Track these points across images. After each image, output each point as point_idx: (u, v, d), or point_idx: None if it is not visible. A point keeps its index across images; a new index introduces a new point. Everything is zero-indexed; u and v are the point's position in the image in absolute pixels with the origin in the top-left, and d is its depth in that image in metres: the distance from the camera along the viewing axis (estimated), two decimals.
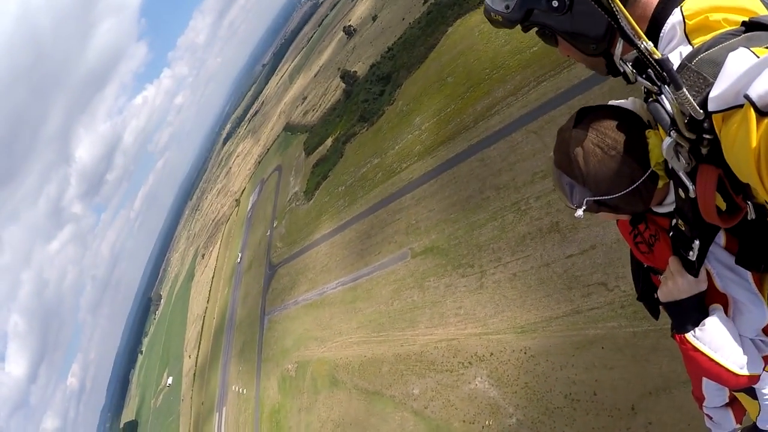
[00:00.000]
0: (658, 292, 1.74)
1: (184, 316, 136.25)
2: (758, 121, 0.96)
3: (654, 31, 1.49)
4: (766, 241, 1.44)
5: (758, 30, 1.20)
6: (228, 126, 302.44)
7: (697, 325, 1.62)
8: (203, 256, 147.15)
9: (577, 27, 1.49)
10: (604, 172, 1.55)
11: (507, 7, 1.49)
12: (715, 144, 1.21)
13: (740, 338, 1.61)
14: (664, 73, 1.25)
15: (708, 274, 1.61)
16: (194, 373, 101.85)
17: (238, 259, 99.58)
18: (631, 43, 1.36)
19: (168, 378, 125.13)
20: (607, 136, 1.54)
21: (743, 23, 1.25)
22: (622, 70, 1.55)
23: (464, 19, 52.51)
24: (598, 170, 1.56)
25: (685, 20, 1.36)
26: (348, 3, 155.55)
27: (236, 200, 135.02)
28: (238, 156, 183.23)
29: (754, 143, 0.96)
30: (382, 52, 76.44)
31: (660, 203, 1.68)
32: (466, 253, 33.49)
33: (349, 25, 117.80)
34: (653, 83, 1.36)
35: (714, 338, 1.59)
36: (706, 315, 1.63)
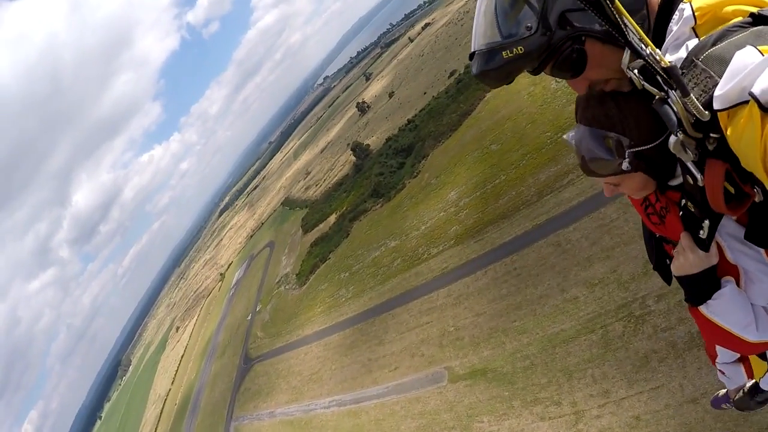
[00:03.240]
0: (672, 266, 1.76)
1: (146, 391, 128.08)
2: (763, 118, 1.01)
3: (662, 24, 1.48)
4: None
5: (766, 24, 1.22)
6: (227, 198, 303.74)
7: (710, 297, 1.67)
8: (178, 329, 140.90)
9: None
10: (644, 118, 1.56)
11: (529, 27, 1.40)
12: (722, 141, 1.24)
13: (752, 307, 1.65)
14: (671, 80, 1.28)
15: (719, 247, 1.64)
16: None
17: (211, 343, 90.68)
18: (638, 54, 1.36)
19: None
20: (633, 90, 1.55)
21: (751, 14, 1.25)
22: (628, 77, 1.48)
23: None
24: (638, 116, 1.57)
25: (696, 16, 1.35)
26: (361, 84, 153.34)
27: (221, 274, 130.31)
28: (231, 228, 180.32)
29: (759, 139, 1.00)
30: (400, 125, 70.39)
31: (672, 177, 1.70)
32: (546, 381, 21.26)
33: (363, 101, 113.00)
34: (660, 89, 1.36)
35: (726, 309, 1.64)
36: (718, 287, 1.67)
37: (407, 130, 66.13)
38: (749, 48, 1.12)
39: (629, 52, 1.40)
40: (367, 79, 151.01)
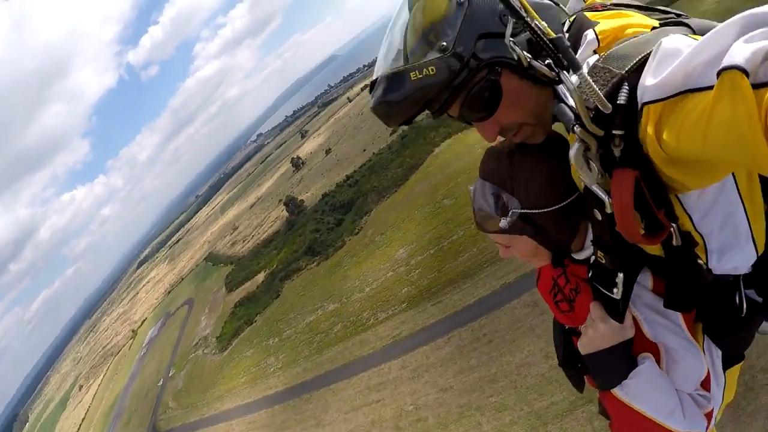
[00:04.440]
0: (578, 343, 1.54)
1: None
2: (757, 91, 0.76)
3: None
4: (694, 278, 1.34)
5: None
6: (148, 249, 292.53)
7: (625, 378, 1.44)
8: (81, 387, 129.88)
9: None
10: (537, 180, 1.45)
11: (443, 48, 1.20)
12: (630, 142, 1.08)
13: (677, 393, 1.45)
14: (560, 55, 1.14)
15: (635, 320, 1.46)
16: None
17: (116, 409, 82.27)
18: (518, 16, 1.17)
19: None
20: (542, 145, 1.45)
21: (652, 28, 1.21)
22: (515, 56, 1.23)
23: (456, 138, 45.18)
24: (531, 178, 1.45)
25: (599, 39, 1.27)
26: (296, 141, 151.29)
27: (133, 331, 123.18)
28: (148, 281, 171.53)
29: (748, 116, 0.74)
30: (338, 181, 67.84)
31: (581, 248, 1.55)
32: None
33: (298, 157, 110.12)
34: (551, 69, 1.21)
35: (647, 390, 1.42)
36: (634, 366, 1.44)
37: (346, 185, 63.41)
38: (677, 35, 1.03)
39: (512, 22, 1.20)
40: (303, 136, 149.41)
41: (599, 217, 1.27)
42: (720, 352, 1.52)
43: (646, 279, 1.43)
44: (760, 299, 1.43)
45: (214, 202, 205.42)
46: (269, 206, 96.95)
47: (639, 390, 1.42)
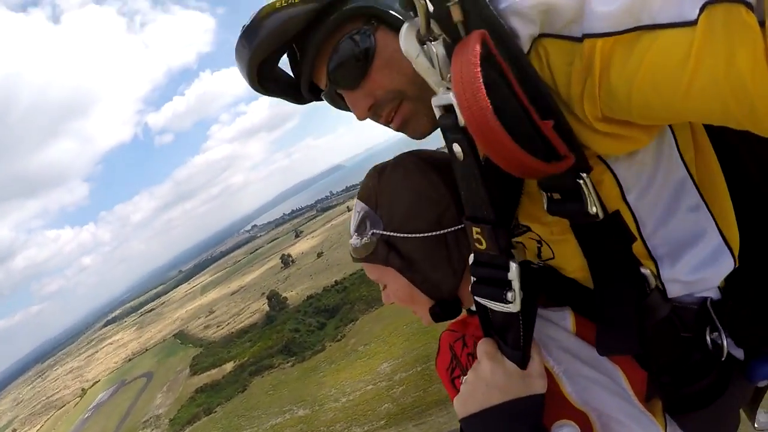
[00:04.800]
0: (455, 400, 1.00)
1: None
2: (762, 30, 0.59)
3: None
4: (637, 303, 0.94)
5: None
6: (118, 311, 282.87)
7: None
8: (14, 431, 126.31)
9: None
10: (406, 198, 1.11)
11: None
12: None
13: None
14: None
15: (549, 374, 0.99)
16: None
17: None
18: None
19: None
20: (427, 159, 1.15)
21: None
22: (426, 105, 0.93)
23: None
24: (399, 194, 1.14)
25: None
26: (290, 239, 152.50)
27: (83, 389, 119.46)
28: (111, 343, 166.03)
29: (762, 61, 0.57)
30: (326, 285, 67.97)
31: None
32: None
33: (288, 255, 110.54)
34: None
35: None
36: None
37: (334, 290, 63.51)
38: None
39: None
40: (297, 236, 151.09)
41: (459, 155, 0.84)
42: None
43: (564, 318, 1.06)
44: (740, 354, 1.05)
45: (196, 281, 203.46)
46: (251, 297, 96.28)
47: None
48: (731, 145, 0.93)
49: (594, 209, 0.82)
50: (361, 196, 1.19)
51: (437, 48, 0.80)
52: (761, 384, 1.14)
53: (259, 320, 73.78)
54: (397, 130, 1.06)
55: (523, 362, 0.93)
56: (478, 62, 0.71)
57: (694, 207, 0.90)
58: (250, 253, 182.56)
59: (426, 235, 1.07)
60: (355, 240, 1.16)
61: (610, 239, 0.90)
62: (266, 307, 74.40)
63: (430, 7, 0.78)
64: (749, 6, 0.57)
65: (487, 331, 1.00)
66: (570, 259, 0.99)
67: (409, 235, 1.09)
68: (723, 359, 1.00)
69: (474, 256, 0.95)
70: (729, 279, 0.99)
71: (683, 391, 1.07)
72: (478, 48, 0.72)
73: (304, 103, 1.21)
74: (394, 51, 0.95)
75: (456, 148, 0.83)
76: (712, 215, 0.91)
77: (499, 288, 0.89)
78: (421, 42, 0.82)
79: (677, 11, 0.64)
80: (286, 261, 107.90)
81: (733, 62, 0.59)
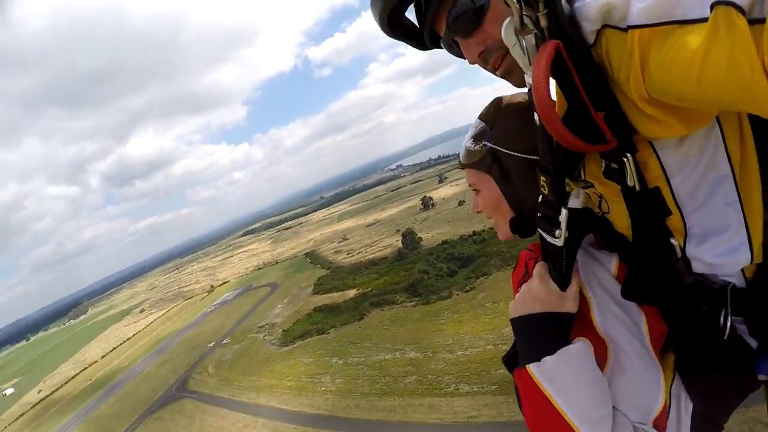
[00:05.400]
0: (510, 306, 1.26)
1: (78, 347, 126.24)
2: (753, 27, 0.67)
3: None
4: (664, 263, 1.13)
5: None
6: (258, 224, 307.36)
7: (548, 353, 1.12)
8: (143, 311, 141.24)
9: None
10: (516, 123, 1.36)
11: None
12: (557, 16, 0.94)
13: (614, 411, 1.10)
14: None
15: (585, 299, 1.20)
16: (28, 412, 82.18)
17: (163, 344, 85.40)
18: None
19: (8, 389, 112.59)
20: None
21: None
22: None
23: None
24: (511, 119, 1.37)
25: None
26: (433, 183, 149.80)
27: (212, 286, 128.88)
28: (246, 251, 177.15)
29: (755, 56, 0.65)
30: (463, 234, 64.00)
31: None
32: None
33: (429, 198, 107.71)
34: None
35: (567, 378, 1.09)
36: (564, 345, 1.13)
37: (471, 240, 59.72)
38: None
39: None
40: (440, 181, 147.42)
41: (537, 120, 1.09)
42: (691, 407, 1.26)
43: (610, 262, 1.23)
44: (753, 342, 1.18)
45: (335, 208, 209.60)
46: (385, 232, 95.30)
47: (560, 374, 1.09)
48: None
49: (632, 182, 1.02)
50: (481, 115, 1.44)
51: (528, 40, 1.01)
52: (761, 378, 1.21)
53: (390, 255, 72.53)
54: (502, 77, 1.25)
55: (563, 285, 1.15)
56: (549, 65, 0.92)
57: (730, 202, 1.01)
58: (392, 191, 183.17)
59: (526, 156, 1.30)
60: (469, 144, 1.41)
61: (649, 209, 1.06)
62: (399, 244, 72.75)
63: (525, 11, 0.97)
64: (739, 8, 0.66)
65: (544, 256, 1.23)
66: (620, 217, 1.15)
67: (513, 153, 1.33)
68: (725, 338, 1.13)
69: (541, 197, 1.20)
70: (757, 274, 1.11)
71: (691, 354, 1.21)
72: (551, 53, 0.92)
73: (425, 50, 1.39)
74: (503, 8, 1.09)
75: (535, 116, 1.08)
76: (743, 213, 1.01)
77: (552, 225, 1.14)
78: (517, 35, 1.02)
79: (696, 10, 0.75)
80: (427, 203, 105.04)
81: (734, 58, 0.67)
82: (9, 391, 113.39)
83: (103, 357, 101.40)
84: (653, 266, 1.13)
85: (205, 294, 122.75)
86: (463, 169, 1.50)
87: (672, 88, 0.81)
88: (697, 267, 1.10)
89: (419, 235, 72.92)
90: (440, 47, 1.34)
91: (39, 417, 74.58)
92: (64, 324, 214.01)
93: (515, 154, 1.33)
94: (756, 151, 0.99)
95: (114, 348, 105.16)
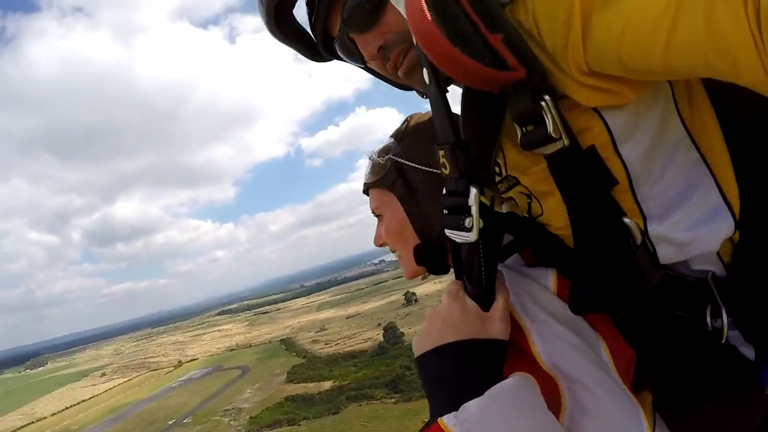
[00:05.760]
0: (413, 340, 0.94)
1: (27, 399, 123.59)
2: None
3: None
4: (621, 259, 0.85)
5: None
6: (235, 305, 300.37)
7: (472, 398, 0.78)
8: (103, 374, 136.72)
9: None
10: (428, 133, 1.13)
11: None
12: None
13: None
14: None
15: (521, 328, 0.90)
16: None
17: (119, 414, 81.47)
18: None
19: None
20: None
21: None
22: None
23: None
24: (423, 129, 1.22)
25: None
26: (416, 280, 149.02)
27: (179, 362, 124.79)
28: (219, 331, 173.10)
29: (740, 11, 0.53)
30: None
31: None
32: None
33: (412, 293, 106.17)
34: None
35: (501, 429, 0.75)
36: (496, 379, 0.81)
37: None
38: None
39: None
40: (423, 278, 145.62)
41: (427, 80, 0.89)
42: None
43: (547, 278, 0.97)
44: (750, 354, 0.93)
45: (315, 297, 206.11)
46: (366, 324, 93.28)
47: (490, 426, 0.75)
48: (730, 105, 0.83)
49: (557, 133, 0.77)
50: (392, 133, 1.28)
51: None
52: None
53: (369, 348, 70.07)
54: (404, 78, 1.03)
55: (484, 301, 0.87)
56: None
57: (692, 163, 0.82)
58: (374, 285, 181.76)
59: (433, 170, 1.11)
60: (373, 158, 1.24)
61: (587, 178, 0.82)
62: (380, 337, 70.42)
63: None
64: None
65: (457, 274, 0.98)
66: (556, 213, 0.92)
67: (420, 167, 1.15)
68: (723, 342, 0.89)
69: (444, 186, 0.94)
70: (736, 255, 0.88)
71: (676, 382, 0.96)
72: None
73: (317, 60, 1.21)
74: None
75: (425, 75, 0.88)
76: (710, 171, 0.83)
77: (460, 215, 0.87)
78: None
79: None
80: (410, 298, 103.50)
81: (712, 14, 0.56)
82: None
83: (53, 414, 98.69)
84: (605, 262, 0.85)
85: (171, 368, 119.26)
86: (367, 193, 1.31)
87: (626, 59, 0.67)
88: (667, 253, 0.85)
89: (401, 329, 70.77)
90: (332, 55, 1.15)
91: None
92: (19, 372, 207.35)
93: (422, 167, 1.14)
94: (711, 103, 0.83)
95: (67, 407, 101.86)
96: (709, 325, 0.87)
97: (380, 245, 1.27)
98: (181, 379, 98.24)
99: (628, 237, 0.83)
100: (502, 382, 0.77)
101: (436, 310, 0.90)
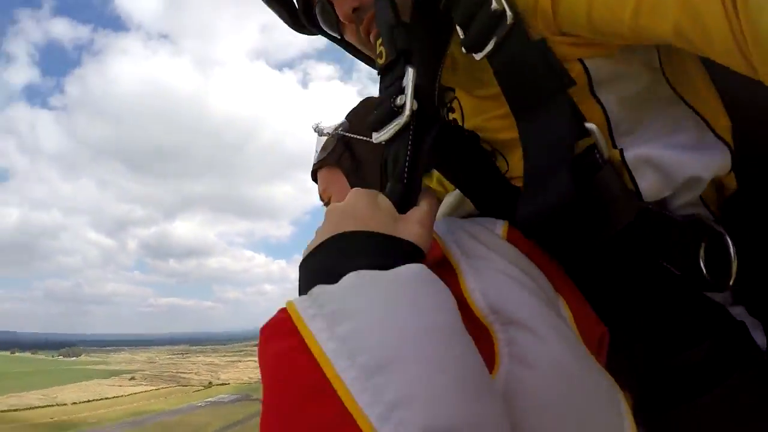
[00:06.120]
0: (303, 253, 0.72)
1: (52, 382, 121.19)
2: None
3: None
4: (584, 181, 0.66)
5: None
6: None
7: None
8: (132, 378, 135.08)
9: None
10: (372, 108, 0.96)
11: None
12: None
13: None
14: None
15: (447, 262, 0.64)
16: None
17: (137, 421, 79.45)
18: None
19: None
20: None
21: None
22: None
23: None
24: (369, 105, 1.25)
25: None
26: None
27: (210, 383, 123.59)
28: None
29: None
30: None
31: None
32: None
33: None
34: None
35: (380, 324, 0.43)
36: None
37: None
38: None
39: None
40: None
41: None
42: None
43: (495, 224, 0.73)
44: (762, 340, 0.70)
45: None
46: None
47: (362, 307, 0.45)
48: None
49: (499, 5, 0.66)
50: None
51: None
52: None
53: None
54: (374, 42, 0.83)
55: (402, 200, 0.66)
56: None
57: (680, 114, 0.71)
58: None
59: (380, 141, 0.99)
60: (320, 131, 1.24)
61: (537, 73, 0.68)
62: None
63: None
64: None
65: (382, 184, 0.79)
66: (521, 164, 0.73)
67: (365, 138, 1.12)
68: (731, 283, 0.67)
69: (380, 80, 0.78)
70: (727, 208, 0.76)
71: (662, 366, 0.71)
72: None
73: (299, 29, 1.09)
74: None
75: None
76: (694, 110, 0.71)
77: (392, 96, 0.71)
78: None
79: None
80: None
81: None
82: None
83: (74, 403, 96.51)
84: (560, 174, 0.65)
85: (201, 387, 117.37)
86: (315, 178, 1.32)
87: (596, 21, 0.62)
88: (648, 181, 0.68)
89: None
90: (313, 27, 1.01)
91: None
92: (52, 356, 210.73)
93: (368, 139, 1.00)
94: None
95: (89, 400, 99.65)
96: (705, 273, 0.66)
97: None
98: (208, 400, 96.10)
99: (593, 150, 0.66)
100: (398, 268, 0.50)
101: (334, 204, 0.66)
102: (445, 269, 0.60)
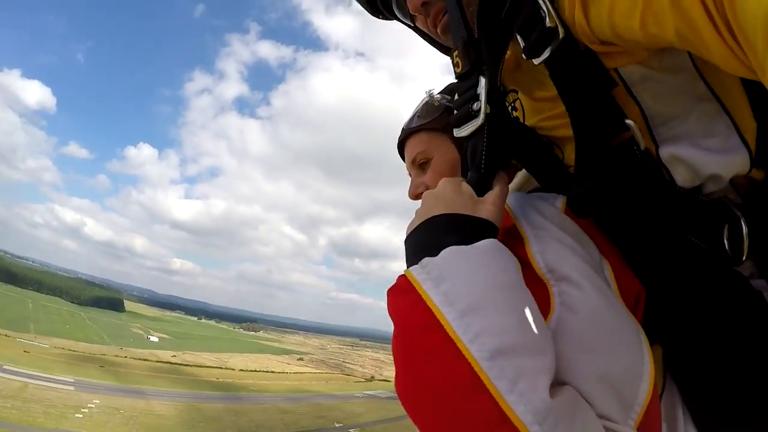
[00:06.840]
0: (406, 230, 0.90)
1: (227, 348, 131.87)
2: None
3: None
4: (619, 153, 0.80)
5: None
6: None
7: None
8: (301, 359, 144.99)
9: None
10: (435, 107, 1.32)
11: None
12: None
13: (566, 388, 0.63)
14: None
15: (520, 236, 0.83)
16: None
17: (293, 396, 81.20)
18: None
19: (154, 337, 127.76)
20: None
21: None
22: None
23: None
24: (434, 106, 1.34)
25: None
26: None
27: (372, 377, 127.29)
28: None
29: None
30: None
31: None
32: None
33: None
34: None
35: (468, 278, 0.68)
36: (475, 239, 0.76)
37: None
38: None
39: None
40: None
41: None
42: None
43: (556, 199, 0.90)
44: None
45: None
46: None
47: (455, 273, 0.69)
48: None
49: (552, 22, 0.76)
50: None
51: None
52: None
53: None
54: (442, 35, 1.01)
55: (480, 187, 0.84)
56: None
57: (712, 113, 0.78)
58: None
59: (438, 114, 1.15)
60: (426, 100, 1.27)
61: (585, 78, 0.79)
62: None
63: None
64: None
65: (463, 171, 0.95)
66: (566, 138, 0.92)
67: (429, 120, 1.19)
68: (744, 259, 0.77)
69: (457, 90, 0.95)
70: (754, 191, 0.83)
71: (691, 327, 0.80)
72: None
73: (376, 14, 1.21)
74: None
75: None
76: (724, 107, 0.78)
77: (469, 102, 0.88)
78: None
79: None
80: None
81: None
82: (154, 339, 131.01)
83: (242, 370, 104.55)
84: (606, 161, 0.79)
85: (363, 380, 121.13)
86: (405, 142, 1.37)
87: (618, 33, 0.69)
88: (679, 174, 0.80)
89: None
90: (389, 13, 1.16)
91: (156, 371, 77.57)
92: (233, 328, 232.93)
93: (433, 118, 1.18)
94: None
95: (256, 371, 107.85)
96: (728, 249, 0.77)
97: (418, 195, 1.24)
98: (367, 392, 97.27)
99: (632, 143, 0.78)
100: (476, 243, 0.72)
101: (429, 191, 0.87)
102: (514, 237, 0.82)
